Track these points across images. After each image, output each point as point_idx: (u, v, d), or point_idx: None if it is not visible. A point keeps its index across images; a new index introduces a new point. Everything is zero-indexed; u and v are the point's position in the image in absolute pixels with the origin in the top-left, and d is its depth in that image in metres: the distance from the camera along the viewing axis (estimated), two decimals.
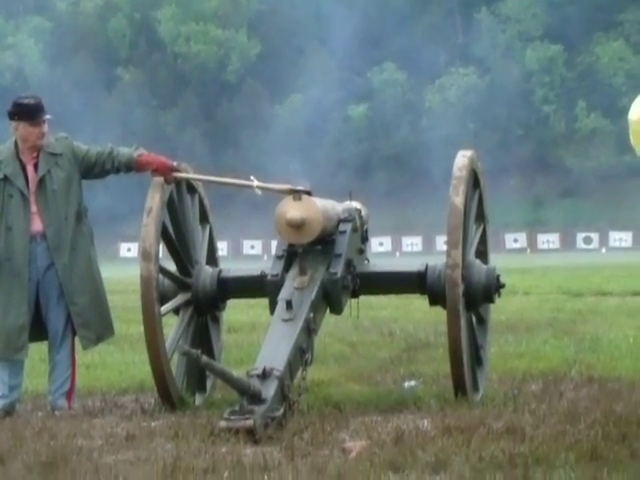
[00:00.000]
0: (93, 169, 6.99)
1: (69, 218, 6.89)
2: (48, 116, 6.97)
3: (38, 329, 6.95)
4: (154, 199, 6.70)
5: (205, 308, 7.15)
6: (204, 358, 5.83)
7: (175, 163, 6.96)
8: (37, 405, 7.26)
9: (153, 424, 6.26)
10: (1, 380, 6.89)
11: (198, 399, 7.09)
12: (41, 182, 6.87)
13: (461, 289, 6.50)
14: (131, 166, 6.96)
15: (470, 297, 6.72)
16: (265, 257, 45.45)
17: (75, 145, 7.01)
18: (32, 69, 65.70)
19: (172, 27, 66.56)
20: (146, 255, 6.61)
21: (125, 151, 6.98)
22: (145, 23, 68.32)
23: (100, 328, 7.01)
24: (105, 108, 63.02)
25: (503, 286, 6.95)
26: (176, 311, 7.10)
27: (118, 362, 9.30)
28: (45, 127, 6.92)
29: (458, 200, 6.56)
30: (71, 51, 65.96)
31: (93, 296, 6.97)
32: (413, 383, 7.62)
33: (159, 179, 6.81)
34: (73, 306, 6.87)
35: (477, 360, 7.01)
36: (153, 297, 6.59)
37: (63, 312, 6.89)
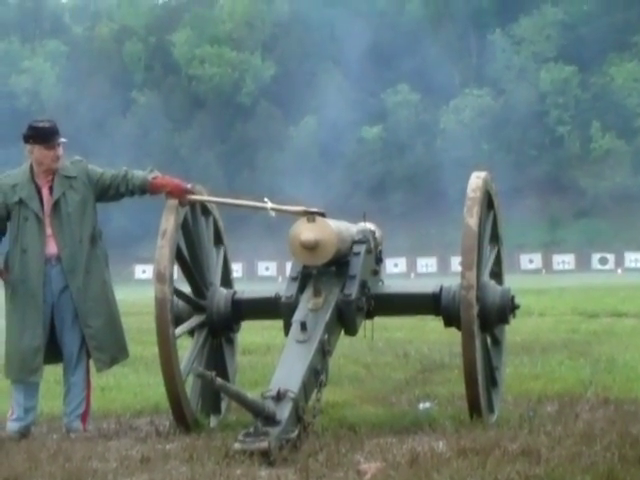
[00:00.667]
0: (108, 192, 7.02)
1: (84, 241, 6.92)
2: (63, 139, 7.01)
3: (53, 351, 6.97)
4: (169, 221, 6.71)
5: (219, 330, 7.16)
6: (218, 380, 5.83)
7: (190, 185, 6.98)
8: (52, 427, 7.27)
9: (168, 446, 6.25)
10: (17, 402, 6.91)
11: (213, 421, 7.08)
12: (56, 205, 6.90)
13: (476, 310, 6.48)
14: (146, 189, 6.99)
15: (485, 318, 6.70)
16: (280, 279, 45.45)
17: (90, 168, 7.05)
18: (48, 92, 66.11)
19: (187, 50, 66.92)
20: (161, 277, 6.62)
21: (140, 174, 7.01)
22: (160, 46, 68.70)
23: (114, 351, 7.02)
24: (120, 131, 63.33)
25: (518, 307, 6.94)
26: (191, 333, 7.11)
27: (133, 384, 9.31)
28: (60, 150, 6.96)
29: (472, 221, 6.54)
30: (87, 74, 66.36)
31: (107, 319, 6.98)
32: (428, 405, 7.60)
33: (174, 201, 6.83)
34: (87, 329, 6.88)
35: (492, 381, 6.98)
36: (168, 319, 6.60)
37: (78, 334, 6.90)
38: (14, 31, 69.21)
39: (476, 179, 6.76)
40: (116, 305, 7.12)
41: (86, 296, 6.89)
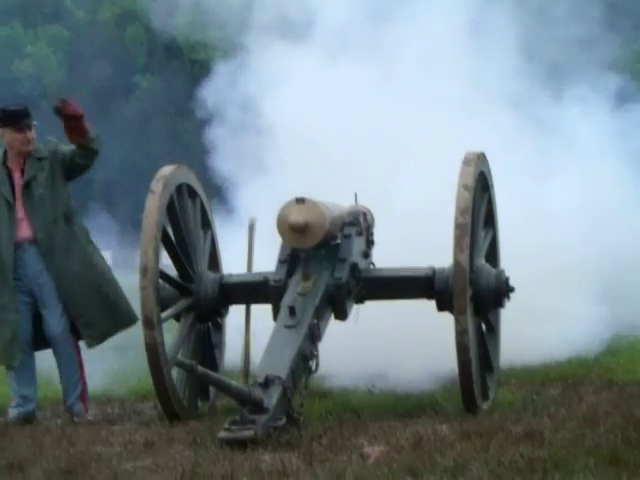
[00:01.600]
0: (71, 166, 6.96)
1: (58, 221, 6.89)
2: (35, 122, 6.98)
3: (42, 337, 6.94)
4: (148, 255, 6.41)
5: (207, 314, 7.00)
6: (200, 368, 5.69)
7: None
8: (56, 412, 7.29)
9: (172, 431, 6.26)
10: (12, 390, 6.92)
11: (203, 408, 7.02)
12: (27, 187, 6.88)
13: (469, 294, 6.33)
14: (73, 145, 6.91)
15: (479, 301, 6.56)
16: None
17: (59, 147, 7.02)
18: (51, 77, 66.04)
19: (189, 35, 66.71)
20: (148, 323, 6.38)
21: None
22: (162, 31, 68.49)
23: (105, 324, 6.97)
24: (123, 115, 63.28)
25: (513, 290, 6.75)
26: (177, 318, 6.94)
27: (137, 368, 9.31)
28: (31, 133, 6.94)
29: (463, 257, 6.24)
30: (89, 59, 66.26)
31: (93, 294, 6.92)
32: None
33: (151, 231, 6.45)
34: (73, 308, 6.86)
35: (488, 367, 6.83)
36: (161, 363, 6.40)
37: (61, 316, 6.87)
38: (16, 16, 69.10)
39: (464, 192, 6.32)
40: (106, 277, 7.03)
41: (67, 275, 6.85)
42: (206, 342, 7.16)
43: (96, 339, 6.96)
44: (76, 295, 6.87)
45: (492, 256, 7.10)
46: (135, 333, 7.35)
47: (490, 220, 7.11)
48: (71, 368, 6.94)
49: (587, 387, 7.45)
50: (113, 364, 9.24)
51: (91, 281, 6.94)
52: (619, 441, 5.26)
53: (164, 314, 6.67)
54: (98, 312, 6.93)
